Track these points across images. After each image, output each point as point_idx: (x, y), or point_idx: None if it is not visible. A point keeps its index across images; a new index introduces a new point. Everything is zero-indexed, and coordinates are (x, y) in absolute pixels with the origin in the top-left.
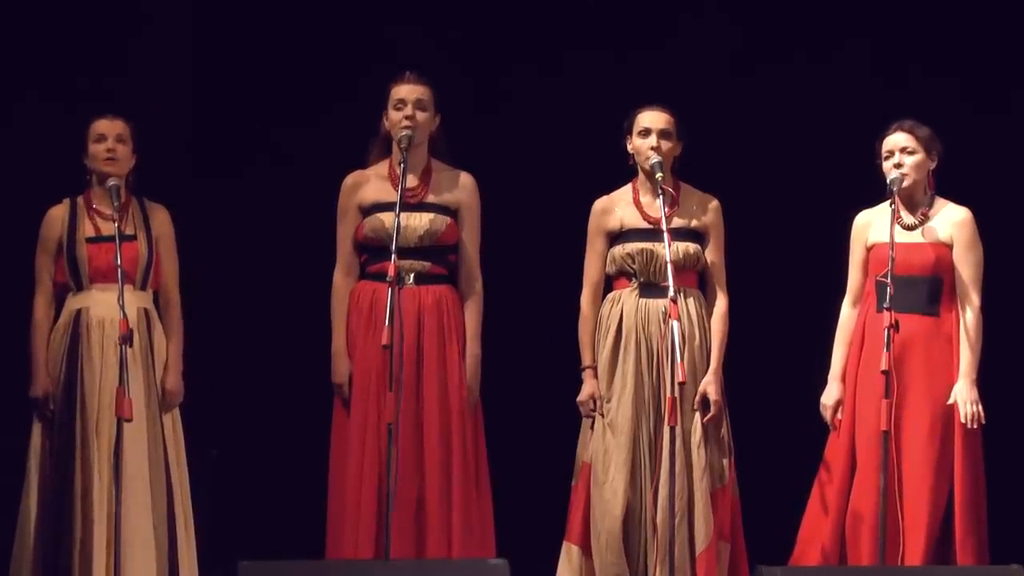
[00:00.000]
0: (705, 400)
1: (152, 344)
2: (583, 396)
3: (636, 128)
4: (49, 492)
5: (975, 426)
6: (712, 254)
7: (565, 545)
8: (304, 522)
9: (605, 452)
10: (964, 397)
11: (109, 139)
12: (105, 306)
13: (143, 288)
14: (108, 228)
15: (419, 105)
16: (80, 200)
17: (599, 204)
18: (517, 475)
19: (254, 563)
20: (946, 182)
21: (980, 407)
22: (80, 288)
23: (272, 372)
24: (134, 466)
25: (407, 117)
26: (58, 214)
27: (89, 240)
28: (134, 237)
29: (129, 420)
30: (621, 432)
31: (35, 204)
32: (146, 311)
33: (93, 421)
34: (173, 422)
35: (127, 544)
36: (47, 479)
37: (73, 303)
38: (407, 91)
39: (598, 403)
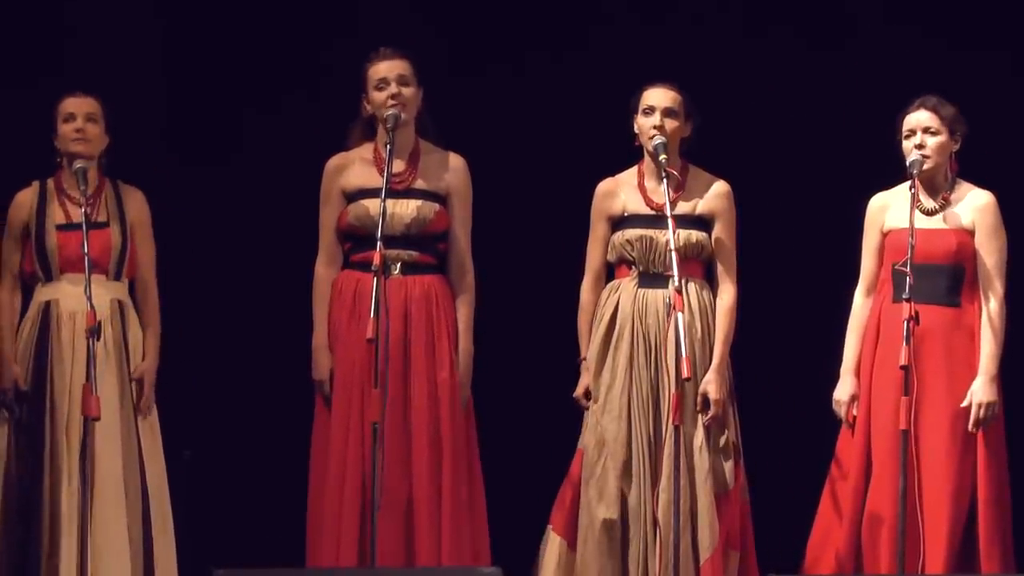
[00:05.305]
0: (706, 400)
1: (127, 338)
2: (578, 390)
3: (641, 106)
4: (15, 495)
5: (977, 431)
6: (720, 241)
7: (548, 530)
8: (283, 527)
9: (595, 446)
10: (979, 399)
11: (79, 118)
12: (76, 298)
13: (117, 278)
14: (80, 214)
15: (402, 81)
16: (50, 184)
17: (602, 187)
18: (512, 477)
19: (230, 571)
20: (969, 164)
21: (995, 410)
22: (50, 278)
23: (249, 367)
24: (106, 467)
25: (392, 96)
26: (26, 199)
27: (60, 227)
28: (106, 224)
29: (97, 419)
30: (609, 429)
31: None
32: (120, 303)
33: (63, 422)
34: (151, 420)
35: (100, 549)
36: (13, 481)
37: (42, 294)
38: (387, 68)
39: (592, 396)
